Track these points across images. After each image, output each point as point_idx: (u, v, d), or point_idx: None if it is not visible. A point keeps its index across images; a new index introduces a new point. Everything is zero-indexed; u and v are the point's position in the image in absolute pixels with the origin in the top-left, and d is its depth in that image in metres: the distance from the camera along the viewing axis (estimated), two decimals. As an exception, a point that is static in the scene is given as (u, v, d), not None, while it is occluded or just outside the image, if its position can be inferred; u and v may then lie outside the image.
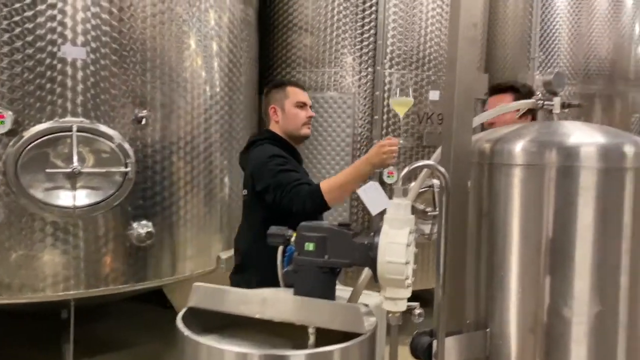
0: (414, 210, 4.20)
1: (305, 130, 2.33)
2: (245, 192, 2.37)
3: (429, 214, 4.03)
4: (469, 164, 1.32)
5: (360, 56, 3.78)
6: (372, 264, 1.11)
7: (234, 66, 3.19)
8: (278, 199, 2.07)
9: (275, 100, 2.36)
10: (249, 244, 2.24)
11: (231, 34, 3.14)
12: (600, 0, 5.12)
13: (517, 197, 1.39)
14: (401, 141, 2.09)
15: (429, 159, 4.26)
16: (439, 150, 1.38)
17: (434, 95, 3.91)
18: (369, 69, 3.80)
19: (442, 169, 1.19)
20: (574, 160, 1.32)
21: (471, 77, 1.30)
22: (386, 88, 3.79)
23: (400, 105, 2.19)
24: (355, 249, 1.14)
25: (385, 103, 3.77)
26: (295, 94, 2.34)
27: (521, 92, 3.02)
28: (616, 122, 5.26)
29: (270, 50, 4.10)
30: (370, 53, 3.78)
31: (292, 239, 1.22)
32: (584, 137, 1.36)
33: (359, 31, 3.77)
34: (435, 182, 3.97)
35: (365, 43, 3.77)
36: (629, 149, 1.32)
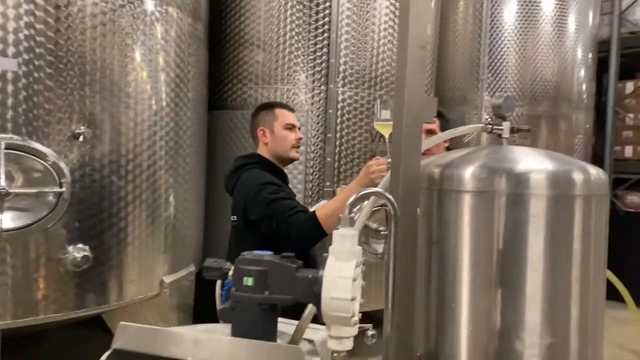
0: (367, 229, 4.11)
1: (294, 154, 2.33)
2: (234, 218, 2.32)
3: (382, 233, 4.02)
4: (418, 190, 1.27)
5: (314, 74, 3.74)
6: (317, 300, 1.03)
7: (181, 81, 3.07)
8: (274, 228, 2.05)
9: (263, 122, 2.34)
10: None
11: (178, 48, 3.03)
12: (545, 25, 5.30)
13: (467, 224, 1.35)
14: (389, 160, 2.11)
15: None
16: (387, 176, 1.32)
17: (385, 114, 3.90)
18: (322, 87, 3.76)
19: (391, 197, 1.12)
20: (524, 187, 1.29)
21: (420, 100, 1.25)
22: (339, 106, 3.75)
23: (385, 127, 2.18)
24: (299, 284, 1.06)
25: (338, 121, 3.73)
26: (284, 116, 2.34)
27: (445, 117, 3.08)
28: (561, 142, 5.43)
29: (221, 65, 4.00)
30: (324, 71, 3.74)
31: (230, 272, 1.12)
32: (534, 163, 1.34)
33: (311, 49, 3.73)
34: (388, 201, 3.97)
35: (318, 61, 3.73)
36: (577, 176, 1.30)
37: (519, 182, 1.30)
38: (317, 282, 1.03)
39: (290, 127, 2.36)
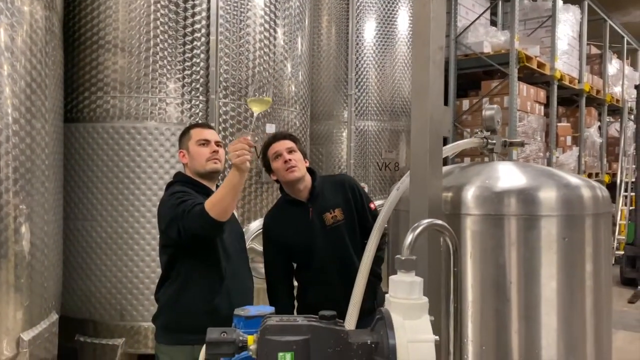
0: (253, 252, 3.76)
1: (211, 165, 2.31)
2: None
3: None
4: (442, 216, 1.08)
5: (191, 82, 3.36)
6: (380, 372, 0.77)
7: (38, 86, 2.48)
8: (181, 227, 2.09)
9: (182, 145, 2.40)
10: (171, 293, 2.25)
11: (35, 46, 2.44)
12: (401, 45, 5.58)
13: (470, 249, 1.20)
14: (256, 138, 2.21)
15: (268, 195, 3.92)
16: (406, 182, 1.11)
17: (270, 128, 3.68)
18: (201, 97, 3.39)
19: (451, 230, 0.91)
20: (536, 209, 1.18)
21: (441, 109, 1.06)
22: (221, 119, 3.42)
23: (257, 104, 2.13)
24: (354, 354, 0.78)
25: (221, 136, 3.39)
26: (198, 133, 2.36)
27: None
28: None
29: (75, 71, 3.39)
30: (201, 80, 3.38)
31: (251, 345, 0.80)
32: (537, 181, 1.24)
33: (188, 54, 3.35)
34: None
35: (195, 68, 3.36)
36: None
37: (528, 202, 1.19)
38: (382, 349, 0.77)
39: (204, 143, 2.33)
